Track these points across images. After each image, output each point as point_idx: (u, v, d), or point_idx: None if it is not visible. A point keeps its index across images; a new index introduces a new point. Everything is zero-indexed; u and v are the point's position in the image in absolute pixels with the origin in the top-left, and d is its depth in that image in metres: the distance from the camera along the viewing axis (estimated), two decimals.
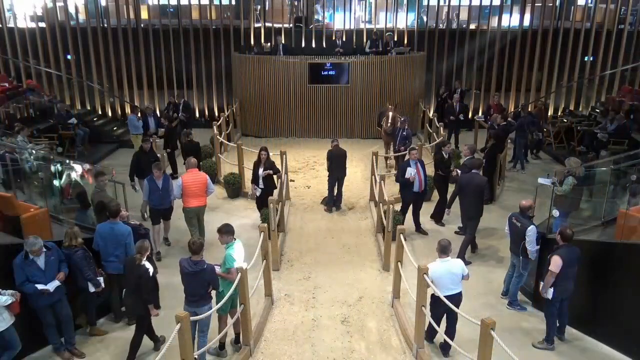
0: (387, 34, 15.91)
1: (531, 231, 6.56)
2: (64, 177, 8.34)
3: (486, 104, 17.08)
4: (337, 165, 10.02)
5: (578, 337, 6.46)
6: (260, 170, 9.17)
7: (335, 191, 10.26)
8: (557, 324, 6.29)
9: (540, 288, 6.08)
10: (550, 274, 5.87)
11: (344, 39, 15.93)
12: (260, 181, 9.20)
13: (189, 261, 5.51)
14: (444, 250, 5.84)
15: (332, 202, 10.26)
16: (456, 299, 5.80)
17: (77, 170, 8.55)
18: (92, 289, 6.13)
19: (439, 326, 5.96)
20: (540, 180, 8.06)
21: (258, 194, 9.17)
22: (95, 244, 6.42)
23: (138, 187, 9.44)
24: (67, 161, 9.58)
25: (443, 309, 5.80)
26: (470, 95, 17.05)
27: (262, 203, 9.13)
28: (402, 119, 11.54)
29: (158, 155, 10.16)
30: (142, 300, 5.72)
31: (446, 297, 5.67)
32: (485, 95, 17.25)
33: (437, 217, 9.68)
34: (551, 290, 5.93)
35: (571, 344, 6.35)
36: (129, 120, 12.78)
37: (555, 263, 5.82)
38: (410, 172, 8.81)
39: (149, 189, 8.24)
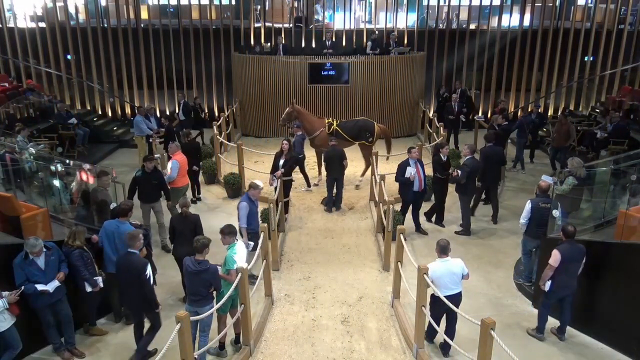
0: (391, 33, 15.91)
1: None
2: (73, 183, 8.31)
3: (486, 103, 17.13)
4: (333, 166, 10.03)
5: (578, 337, 6.45)
6: (281, 162, 9.55)
7: (335, 191, 10.26)
8: (559, 324, 6.35)
9: (540, 280, 6.18)
10: (549, 267, 5.99)
11: (344, 41, 15.92)
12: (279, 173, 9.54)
13: (193, 260, 5.51)
14: (443, 250, 5.86)
15: (331, 202, 10.27)
16: (456, 298, 5.80)
17: (84, 174, 8.50)
18: (88, 289, 6.13)
19: (438, 326, 5.96)
20: (544, 178, 8.14)
21: (275, 184, 9.24)
22: (100, 239, 6.42)
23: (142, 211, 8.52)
24: (67, 161, 9.59)
25: (443, 309, 5.80)
26: (470, 95, 17.04)
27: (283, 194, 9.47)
28: (294, 123, 11.27)
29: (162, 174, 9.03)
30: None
31: (446, 297, 5.68)
32: (485, 95, 17.27)
33: (429, 216, 9.75)
34: (549, 282, 6.03)
35: (572, 343, 6.34)
36: (136, 121, 12.71)
37: (554, 257, 5.94)
38: (410, 171, 8.82)
39: (250, 211, 7.23)
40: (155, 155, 9.14)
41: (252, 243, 7.18)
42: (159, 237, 8.66)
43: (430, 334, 6.18)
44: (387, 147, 11.88)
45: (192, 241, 6.20)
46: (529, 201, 7.27)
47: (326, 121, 11.36)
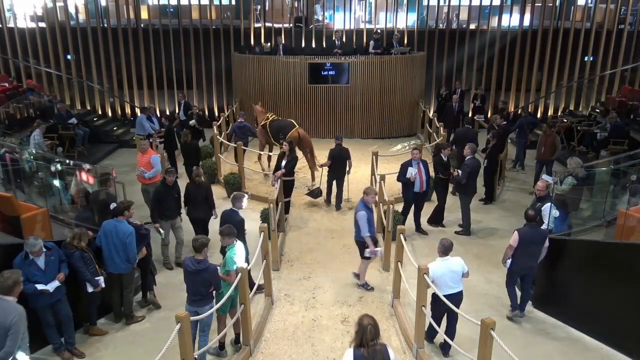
0: (394, 34, 15.93)
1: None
2: (72, 184, 8.31)
3: (486, 103, 17.13)
4: (337, 165, 10.07)
5: (579, 337, 6.45)
6: (283, 162, 9.60)
7: (335, 190, 10.31)
8: (519, 300, 6.80)
9: (502, 259, 6.78)
10: (509, 247, 6.60)
11: (343, 40, 15.94)
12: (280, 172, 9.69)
13: (192, 260, 5.51)
14: (446, 250, 5.83)
15: (329, 198, 10.49)
16: (457, 298, 5.80)
17: (84, 174, 8.55)
18: (89, 289, 6.12)
19: (439, 326, 5.95)
20: (544, 177, 8.18)
21: (276, 185, 9.27)
22: (99, 239, 6.44)
23: (163, 230, 7.94)
24: (67, 161, 9.61)
25: (444, 309, 5.79)
26: (470, 96, 17.06)
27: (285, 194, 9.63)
28: (240, 113, 12.77)
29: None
30: (209, 205, 8.21)
31: (447, 296, 5.66)
32: (485, 95, 17.26)
33: (434, 220, 9.67)
34: (509, 261, 6.65)
35: (572, 343, 6.35)
36: (138, 120, 12.72)
37: (513, 238, 6.53)
38: (411, 171, 8.81)
39: (367, 218, 7.09)
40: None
41: (379, 249, 7.19)
42: (175, 253, 8.22)
43: (430, 333, 6.17)
44: (310, 155, 11.24)
45: (204, 205, 8.10)
46: (549, 205, 7.11)
47: (266, 115, 12.01)
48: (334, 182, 10.25)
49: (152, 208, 7.96)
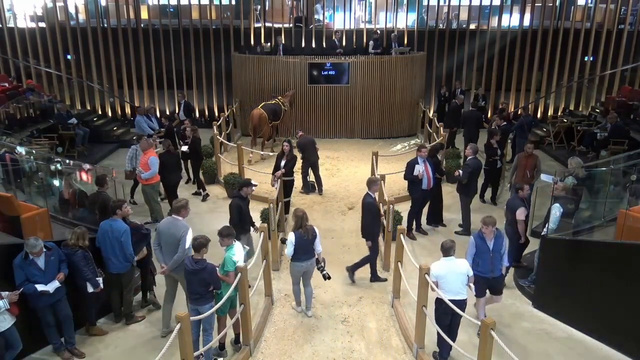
0: (393, 34, 15.95)
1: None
2: (63, 186, 8.30)
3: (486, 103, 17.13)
4: (310, 151, 10.81)
5: (579, 337, 6.46)
6: (282, 162, 9.73)
7: (313, 176, 11.07)
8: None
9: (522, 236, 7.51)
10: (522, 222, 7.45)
11: (343, 41, 15.95)
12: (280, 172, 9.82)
13: (191, 259, 5.53)
14: (447, 251, 5.72)
15: (308, 186, 11.07)
16: (461, 306, 5.58)
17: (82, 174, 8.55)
18: (90, 289, 6.12)
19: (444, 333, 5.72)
20: (543, 177, 8.17)
21: (276, 185, 9.27)
22: (97, 241, 6.45)
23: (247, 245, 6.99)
24: (67, 161, 9.61)
25: (449, 312, 5.53)
26: (469, 96, 17.06)
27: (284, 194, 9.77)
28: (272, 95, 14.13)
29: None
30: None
31: (454, 301, 5.52)
32: (485, 94, 17.26)
33: (433, 220, 9.64)
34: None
35: (572, 344, 6.35)
36: (137, 121, 12.72)
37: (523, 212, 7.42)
38: (419, 169, 8.79)
39: (477, 250, 6.19)
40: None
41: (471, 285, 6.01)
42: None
43: (442, 347, 5.87)
44: (252, 134, 13.09)
45: (177, 170, 9.70)
46: (558, 205, 6.95)
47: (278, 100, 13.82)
48: (310, 170, 10.96)
49: (234, 224, 6.96)
